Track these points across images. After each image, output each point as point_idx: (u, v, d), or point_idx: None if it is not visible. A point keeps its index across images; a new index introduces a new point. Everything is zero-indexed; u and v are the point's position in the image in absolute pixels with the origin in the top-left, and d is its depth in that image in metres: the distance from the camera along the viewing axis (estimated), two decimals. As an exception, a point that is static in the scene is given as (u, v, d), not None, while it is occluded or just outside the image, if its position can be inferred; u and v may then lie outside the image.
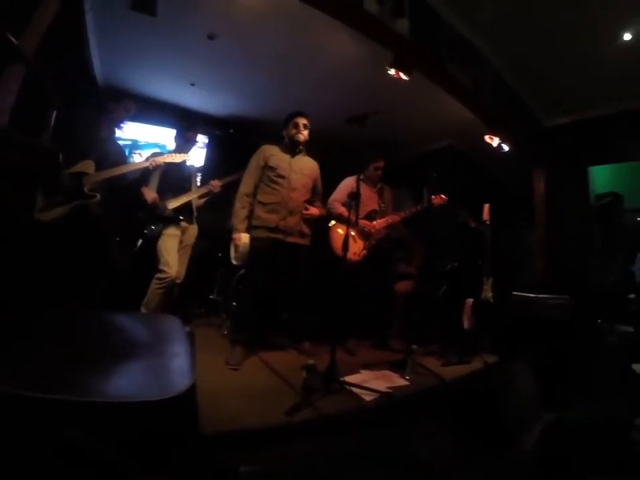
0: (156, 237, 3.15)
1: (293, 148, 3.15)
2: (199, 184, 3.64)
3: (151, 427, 0.85)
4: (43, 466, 0.74)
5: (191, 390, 0.88)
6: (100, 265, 2.97)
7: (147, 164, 3.09)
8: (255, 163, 3.13)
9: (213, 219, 4.01)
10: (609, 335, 3.66)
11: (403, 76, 3.37)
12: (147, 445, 0.84)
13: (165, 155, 3.20)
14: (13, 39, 1.89)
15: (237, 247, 3.01)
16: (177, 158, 3.21)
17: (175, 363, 1.02)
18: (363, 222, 3.49)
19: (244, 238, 2.96)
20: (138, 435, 0.83)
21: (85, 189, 2.75)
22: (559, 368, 2.98)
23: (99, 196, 2.81)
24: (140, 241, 3.19)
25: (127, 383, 0.95)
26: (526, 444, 2.05)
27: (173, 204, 3.25)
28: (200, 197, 3.52)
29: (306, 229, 3.15)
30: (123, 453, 0.80)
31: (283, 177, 3.05)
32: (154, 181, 3.27)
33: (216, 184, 3.50)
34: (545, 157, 5.14)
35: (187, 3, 3.33)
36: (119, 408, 0.80)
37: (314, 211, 3.17)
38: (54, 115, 2.90)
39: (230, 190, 3.45)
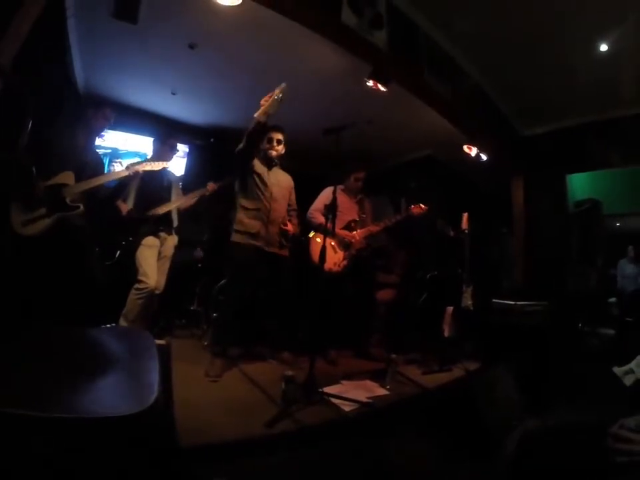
0: (134, 248, 3.12)
1: (267, 162, 3.14)
2: (181, 192, 3.62)
3: (119, 442, 0.84)
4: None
5: (156, 405, 0.88)
6: (79, 277, 2.92)
7: (126, 172, 3.04)
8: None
9: (195, 229, 4.00)
10: (591, 338, 3.73)
11: (381, 87, 3.41)
12: (119, 459, 0.84)
13: (144, 163, 3.15)
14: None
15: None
16: (156, 166, 3.17)
17: (144, 378, 1.02)
18: (343, 232, 3.51)
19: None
20: (106, 450, 0.83)
21: (67, 201, 2.71)
22: (540, 374, 3.02)
23: (81, 207, 2.77)
24: (118, 252, 3.16)
25: (94, 398, 0.94)
26: (507, 449, 2.06)
27: (153, 213, 3.23)
28: (192, 199, 3.54)
29: (284, 241, 3.15)
30: (92, 467, 0.79)
31: (266, 185, 3.05)
32: (131, 193, 3.25)
33: (212, 186, 3.51)
34: (524, 165, 5.24)
35: (169, 13, 3.35)
36: (83, 423, 0.79)
37: (290, 227, 3.16)
38: (29, 124, 2.86)
39: (212, 200, 3.46)
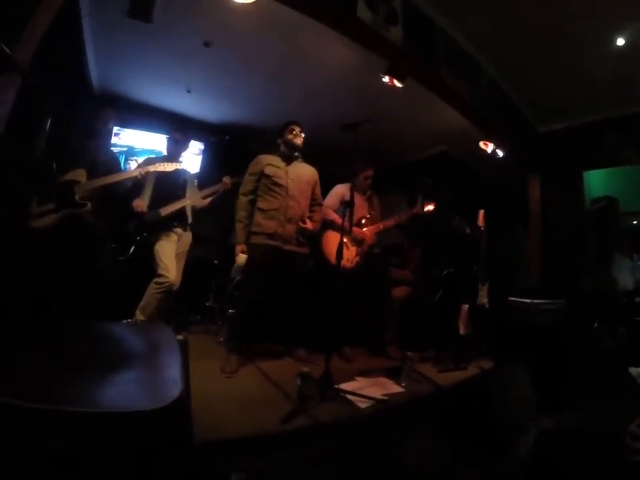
0: (149, 244, 3.16)
1: (289, 154, 3.16)
2: (196, 189, 3.64)
3: (141, 438, 0.85)
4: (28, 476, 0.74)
5: (179, 400, 0.88)
6: (90, 273, 2.95)
7: (136, 173, 3.08)
8: (250, 173, 3.13)
9: (211, 225, 4.02)
10: (606, 339, 3.67)
11: (397, 83, 3.39)
12: (135, 454, 0.84)
13: (157, 164, 3.18)
14: (6, 49, 1.89)
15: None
16: (168, 167, 3.20)
17: (166, 373, 1.02)
18: (354, 229, 3.49)
19: (240, 258, 2.97)
20: (127, 445, 0.83)
21: (76, 198, 2.75)
22: (555, 373, 2.98)
23: (89, 204, 2.81)
24: (132, 248, 3.18)
25: (116, 393, 0.93)
26: (521, 450, 2.04)
27: (165, 211, 3.25)
28: (205, 197, 3.55)
29: (301, 238, 3.16)
30: (108, 462, 0.79)
31: (280, 185, 3.05)
32: (147, 190, 3.28)
33: (228, 180, 3.52)
34: (540, 162, 5.17)
35: (184, 11, 3.35)
36: (107, 418, 0.79)
37: (308, 225, 3.16)
38: (48, 123, 2.90)
39: (228, 196, 3.47)
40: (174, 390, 0.90)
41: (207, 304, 4.23)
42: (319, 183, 3.35)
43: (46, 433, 0.75)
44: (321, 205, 3.41)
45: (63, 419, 0.76)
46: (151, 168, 3.12)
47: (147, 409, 0.82)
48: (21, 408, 0.72)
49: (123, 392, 0.95)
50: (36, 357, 1.03)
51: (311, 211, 3.28)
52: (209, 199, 3.57)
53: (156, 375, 1.04)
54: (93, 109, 3.12)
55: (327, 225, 3.54)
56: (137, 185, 3.20)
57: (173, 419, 0.91)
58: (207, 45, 3.82)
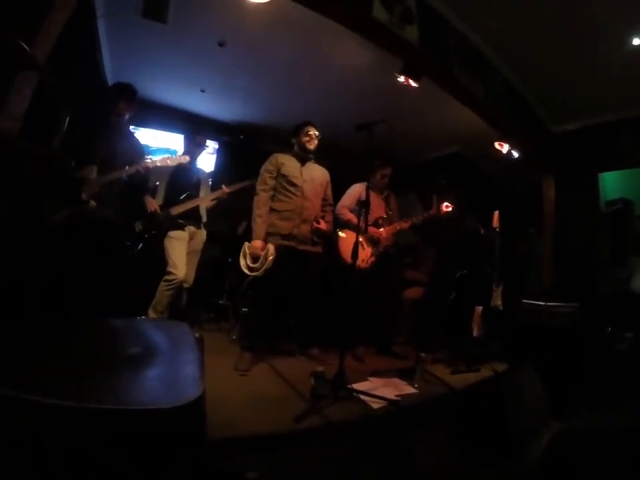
0: (158, 241, 3.18)
1: (303, 156, 3.17)
2: (209, 189, 3.66)
3: (159, 434, 0.85)
4: (50, 471, 0.75)
5: (200, 399, 0.89)
6: (101, 269, 2.97)
7: (134, 170, 2.98)
8: (267, 171, 3.10)
9: (224, 224, 4.04)
10: (620, 342, 3.63)
11: (412, 83, 3.38)
12: (155, 452, 0.85)
13: (161, 158, 3.15)
14: (25, 46, 1.92)
15: (256, 256, 2.92)
16: (171, 161, 3.18)
17: (185, 370, 1.03)
18: (371, 229, 3.47)
19: (271, 248, 2.88)
20: (145, 442, 0.84)
21: (84, 195, 2.76)
22: (568, 376, 2.96)
23: (92, 202, 2.79)
24: (140, 245, 3.20)
25: (137, 390, 0.95)
26: (533, 453, 2.02)
27: (176, 210, 3.27)
28: (212, 200, 3.58)
29: (316, 238, 3.16)
30: (128, 459, 0.80)
31: (295, 185, 3.06)
32: (161, 189, 3.30)
33: (224, 191, 3.53)
34: (554, 163, 5.11)
35: (198, 11, 3.38)
36: (128, 415, 0.81)
37: (323, 225, 3.16)
38: (67, 120, 2.92)
39: (240, 196, 3.48)
40: (195, 389, 0.91)
41: (220, 302, 4.25)
42: (330, 183, 3.35)
43: (62, 429, 0.76)
44: (331, 205, 3.41)
45: (81, 415, 0.77)
46: (150, 164, 3.05)
47: (167, 406, 0.83)
48: (40, 404, 0.74)
49: (146, 390, 0.97)
50: (56, 354, 1.04)
51: (322, 212, 3.28)
52: (214, 200, 3.61)
53: (177, 372, 1.05)
54: (104, 101, 3.10)
55: (343, 224, 3.53)
56: (142, 179, 3.16)
57: (193, 416, 0.92)
58: (221, 44, 3.85)
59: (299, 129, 3.18)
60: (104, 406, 0.79)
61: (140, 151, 3.25)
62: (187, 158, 3.32)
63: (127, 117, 3.14)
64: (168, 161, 3.17)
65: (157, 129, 5.28)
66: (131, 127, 4.94)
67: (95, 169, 2.84)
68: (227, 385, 2.36)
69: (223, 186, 3.57)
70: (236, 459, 1.68)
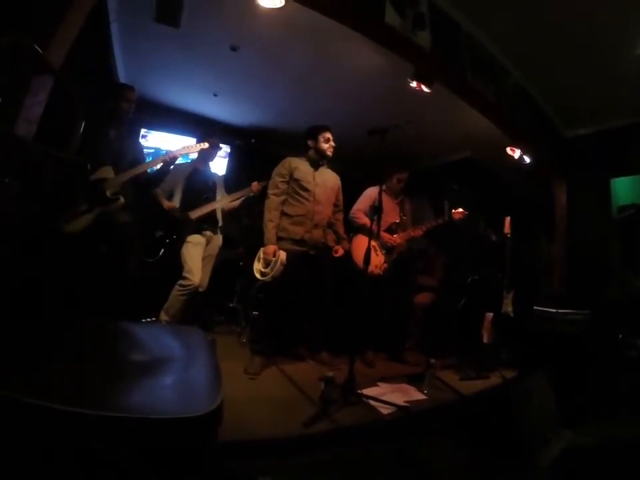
0: (178, 246, 3.19)
1: (318, 160, 3.15)
2: (225, 192, 3.68)
3: (178, 442, 0.85)
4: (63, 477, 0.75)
5: (219, 408, 0.89)
6: (120, 273, 2.99)
7: (160, 160, 3.07)
8: (280, 175, 3.07)
9: (236, 227, 4.06)
10: (631, 350, 3.58)
11: (424, 88, 3.38)
12: (170, 457, 0.85)
13: (182, 148, 3.19)
14: (39, 50, 1.95)
15: (268, 261, 2.89)
16: (192, 149, 3.23)
17: (205, 379, 1.03)
18: (385, 235, 3.45)
19: (282, 255, 2.85)
20: (163, 448, 0.84)
21: (108, 194, 2.78)
22: (579, 384, 2.93)
23: (121, 198, 2.82)
24: (162, 250, 3.21)
25: (154, 398, 0.94)
26: (543, 461, 2.01)
27: (196, 214, 3.29)
28: (233, 200, 3.60)
29: (330, 242, 3.17)
30: (142, 465, 0.80)
31: (307, 190, 3.05)
32: (177, 192, 3.32)
33: (256, 186, 3.55)
34: (566, 168, 5.07)
35: (211, 15, 3.41)
36: (146, 424, 0.80)
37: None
38: (82, 124, 2.94)
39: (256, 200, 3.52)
40: (213, 396, 0.91)
41: (231, 305, 4.27)
42: (340, 189, 3.34)
43: (76, 435, 0.76)
44: (342, 211, 3.40)
45: (96, 422, 0.77)
46: (177, 152, 3.11)
47: (186, 415, 0.83)
48: (53, 410, 0.74)
49: (159, 397, 0.96)
50: (71, 359, 1.04)
51: (334, 218, 3.29)
52: (239, 200, 3.62)
53: (197, 381, 1.05)
54: (111, 100, 3.13)
55: (357, 228, 3.53)
56: (163, 172, 3.24)
57: (210, 424, 0.92)
58: (233, 49, 3.88)
59: (317, 133, 3.11)
60: (127, 415, 0.79)
61: (141, 149, 3.34)
62: (207, 145, 3.34)
63: (129, 115, 3.17)
64: (190, 149, 3.22)
65: (168, 132, 5.33)
66: (143, 131, 5.03)
67: (111, 169, 2.87)
68: (237, 388, 2.35)
69: (253, 183, 3.57)
70: (245, 462, 1.69)
